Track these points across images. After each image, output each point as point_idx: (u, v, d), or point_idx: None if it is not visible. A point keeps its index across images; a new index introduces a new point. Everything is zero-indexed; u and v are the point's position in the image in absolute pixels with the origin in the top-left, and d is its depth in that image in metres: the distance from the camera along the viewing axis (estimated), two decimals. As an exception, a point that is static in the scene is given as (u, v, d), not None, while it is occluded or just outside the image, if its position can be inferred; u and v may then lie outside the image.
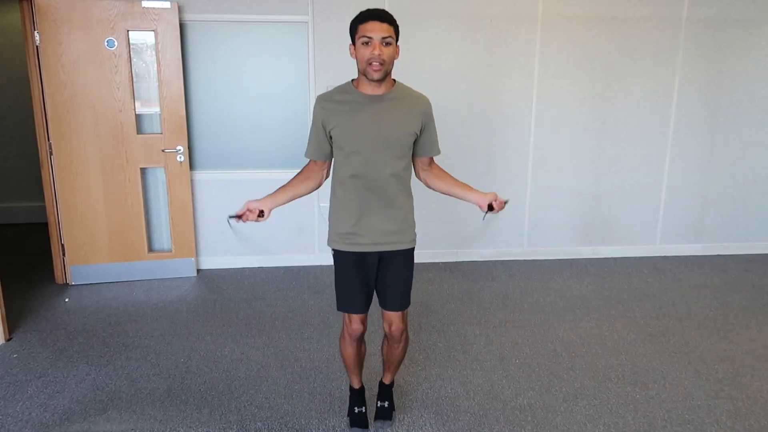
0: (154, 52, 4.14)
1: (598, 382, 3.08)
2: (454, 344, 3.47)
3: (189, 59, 4.33)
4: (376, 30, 2.13)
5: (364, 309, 2.43)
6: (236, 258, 4.67)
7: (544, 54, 4.59)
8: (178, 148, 4.28)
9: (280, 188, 2.38)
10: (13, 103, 5.58)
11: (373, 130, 2.24)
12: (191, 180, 4.44)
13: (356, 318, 2.44)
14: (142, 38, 4.15)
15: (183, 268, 4.48)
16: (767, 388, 3.02)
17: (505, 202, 2.34)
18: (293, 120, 4.52)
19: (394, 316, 2.45)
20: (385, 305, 2.45)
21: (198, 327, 3.66)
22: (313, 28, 4.35)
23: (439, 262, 4.81)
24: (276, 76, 4.46)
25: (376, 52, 2.12)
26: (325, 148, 2.35)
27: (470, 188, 2.40)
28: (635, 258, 5.00)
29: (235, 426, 2.69)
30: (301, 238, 4.71)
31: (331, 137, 2.31)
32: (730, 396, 2.95)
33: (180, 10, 4.18)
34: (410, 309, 3.81)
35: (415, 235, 2.43)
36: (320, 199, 4.53)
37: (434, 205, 4.19)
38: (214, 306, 3.97)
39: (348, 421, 2.71)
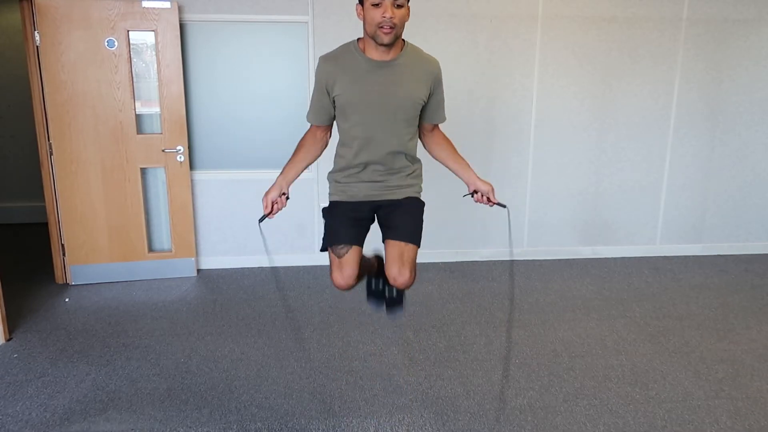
0: (154, 52, 4.14)
1: (598, 382, 3.08)
2: (454, 344, 3.47)
3: (189, 59, 4.33)
4: None
5: (353, 240, 2.13)
6: (236, 258, 4.67)
7: (544, 54, 4.59)
8: (178, 148, 4.28)
9: (286, 166, 2.20)
10: (13, 103, 5.57)
11: (379, 99, 2.09)
12: (191, 180, 4.44)
13: (346, 259, 2.11)
14: (142, 38, 4.15)
15: (183, 268, 4.48)
16: (767, 388, 3.02)
17: (496, 203, 2.21)
18: (293, 120, 4.52)
19: (399, 252, 2.11)
20: (387, 235, 2.15)
21: (198, 327, 3.66)
22: (313, 29, 4.35)
23: (439, 262, 4.81)
24: (276, 76, 4.45)
25: (388, 15, 1.96)
26: (328, 112, 2.19)
27: (468, 167, 2.24)
28: (635, 258, 5.00)
29: (235, 426, 2.69)
30: (301, 238, 4.71)
31: (334, 102, 2.15)
32: (730, 396, 2.95)
33: (180, 10, 4.17)
34: (411, 309, 3.85)
35: (421, 189, 2.25)
36: (320, 200, 4.53)
37: (434, 206, 4.18)
38: (214, 306, 3.97)
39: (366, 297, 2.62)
